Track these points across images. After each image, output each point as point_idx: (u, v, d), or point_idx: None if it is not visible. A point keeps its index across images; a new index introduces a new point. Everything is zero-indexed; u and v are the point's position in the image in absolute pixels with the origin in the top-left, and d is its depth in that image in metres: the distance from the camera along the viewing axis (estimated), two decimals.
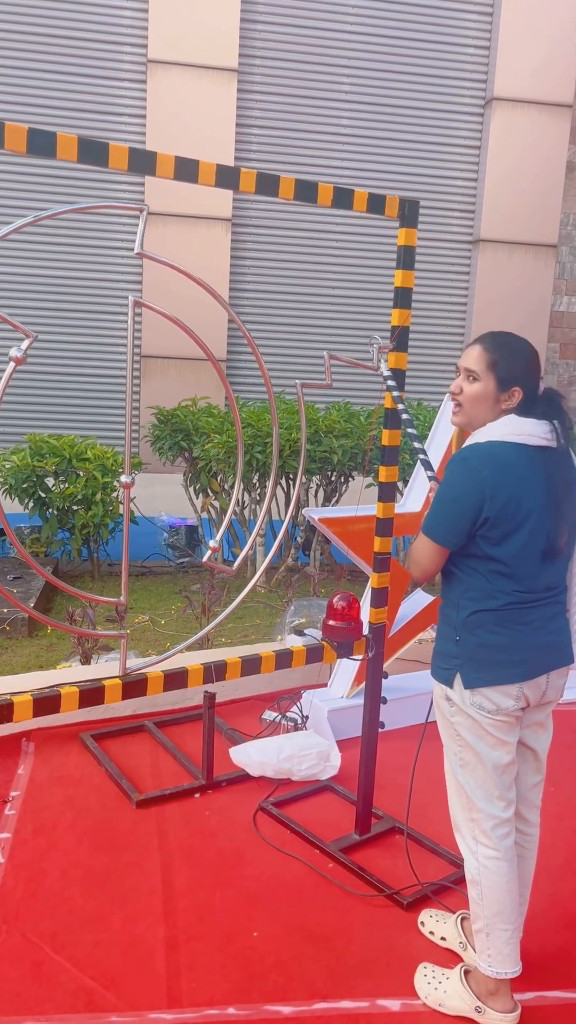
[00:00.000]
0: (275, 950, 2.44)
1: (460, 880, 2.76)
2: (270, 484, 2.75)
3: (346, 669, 3.81)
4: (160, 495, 6.46)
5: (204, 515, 6.06)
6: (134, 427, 8.22)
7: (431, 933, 2.50)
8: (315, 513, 3.55)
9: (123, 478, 2.20)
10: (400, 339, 2.66)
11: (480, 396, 2.16)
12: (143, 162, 2.11)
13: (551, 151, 8.47)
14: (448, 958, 2.42)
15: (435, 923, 2.51)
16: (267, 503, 2.84)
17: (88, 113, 7.76)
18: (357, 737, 3.69)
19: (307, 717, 3.64)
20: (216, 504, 5.90)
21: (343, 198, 2.46)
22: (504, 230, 8.50)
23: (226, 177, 2.24)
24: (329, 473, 5.72)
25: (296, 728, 3.66)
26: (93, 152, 1.99)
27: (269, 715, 3.77)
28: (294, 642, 4.23)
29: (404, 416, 2.58)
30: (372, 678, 2.87)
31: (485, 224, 8.48)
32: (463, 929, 2.44)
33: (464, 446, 2.15)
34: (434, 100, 8.42)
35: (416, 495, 3.83)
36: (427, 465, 2.53)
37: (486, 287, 8.58)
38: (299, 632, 4.24)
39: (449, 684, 2.16)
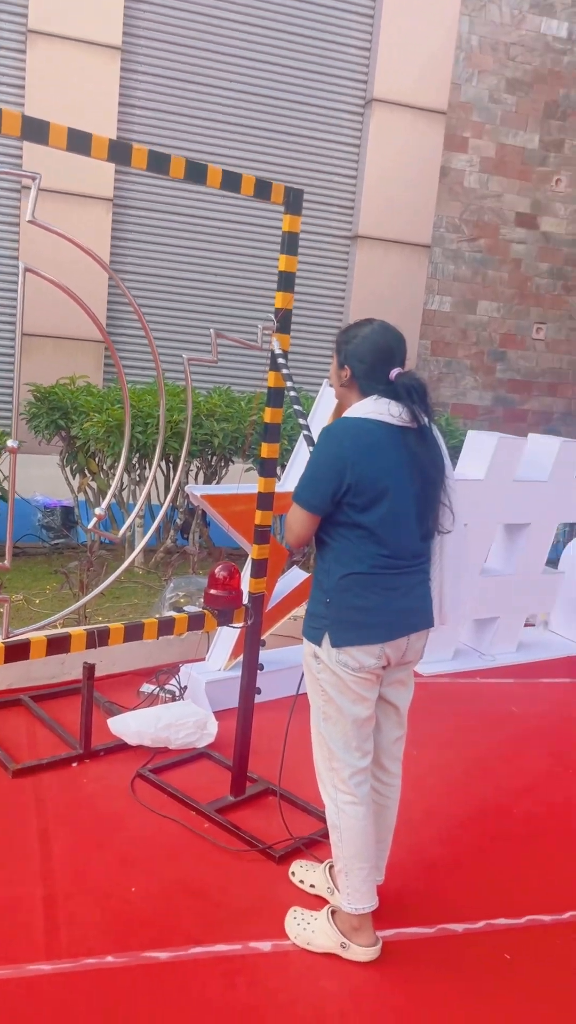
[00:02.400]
0: (152, 904, 2.53)
1: (327, 833, 2.93)
2: (154, 461, 2.82)
3: (224, 642, 3.93)
4: (35, 476, 6.36)
5: (81, 496, 6.02)
6: (10, 406, 8.04)
7: (301, 882, 2.65)
8: (198, 490, 3.65)
9: (9, 442, 2.22)
10: (284, 321, 2.78)
11: (332, 373, 2.43)
12: (36, 130, 2.14)
13: (427, 155, 8.81)
14: (317, 903, 2.57)
15: (305, 872, 2.67)
16: (150, 480, 2.91)
17: None
18: (233, 708, 3.81)
19: (185, 688, 3.73)
20: (94, 485, 5.88)
21: (231, 181, 2.56)
22: (382, 228, 8.79)
23: (118, 152, 2.29)
24: (209, 457, 5.81)
25: (173, 700, 3.75)
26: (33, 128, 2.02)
27: (147, 688, 3.84)
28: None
29: (291, 394, 2.72)
30: (250, 645, 3.00)
31: (363, 221, 8.74)
32: (330, 876, 2.60)
33: (332, 421, 2.31)
34: (317, 96, 8.60)
35: (296, 474, 3.98)
36: (309, 440, 2.67)
37: (363, 282, 8.85)
38: (178, 608, 4.32)
39: (318, 643, 2.31)
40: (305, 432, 2.65)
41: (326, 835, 2.87)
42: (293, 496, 2.29)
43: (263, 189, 2.63)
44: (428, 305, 9.20)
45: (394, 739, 2.48)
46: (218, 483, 6.03)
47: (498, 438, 4.54)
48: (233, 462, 6.08)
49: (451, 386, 9.44)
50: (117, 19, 7.67)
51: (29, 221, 2.16)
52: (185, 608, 4.33)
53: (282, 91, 8.47)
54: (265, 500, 2.91)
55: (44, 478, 6.40)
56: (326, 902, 2.56)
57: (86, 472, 5.80)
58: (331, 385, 2.45)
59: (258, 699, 3.11)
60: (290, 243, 2.75)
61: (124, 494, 5.99)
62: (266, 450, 2.87)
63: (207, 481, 5.99)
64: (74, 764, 3.28)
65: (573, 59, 9.26)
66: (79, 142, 2.21)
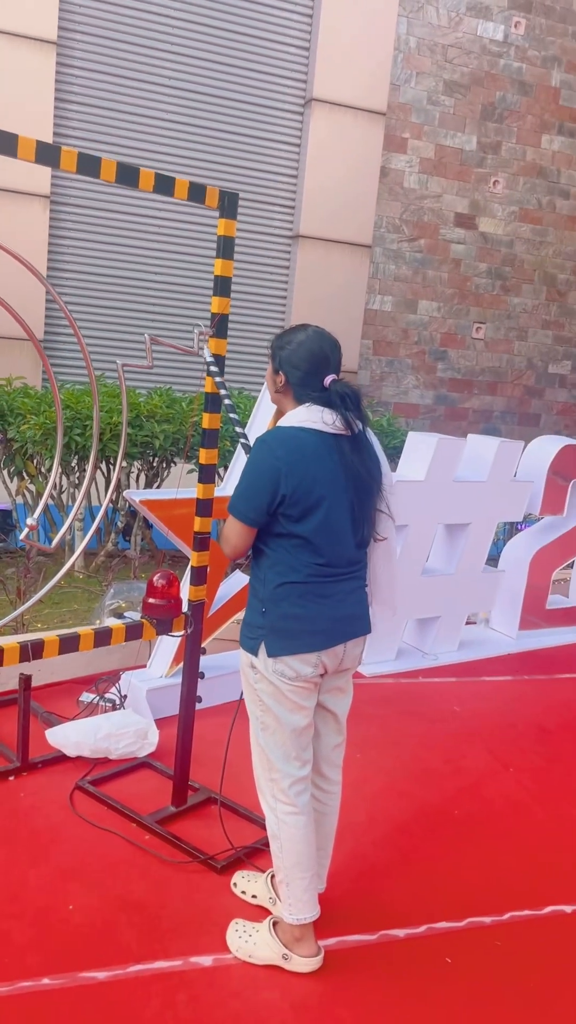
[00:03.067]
0: (90, 920, 2.48)
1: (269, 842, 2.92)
2: (89, 466, 2.77)
3: (165, 649, 3.88)
4: None
5: (19, 499, 5.90)
6: None
7: (243, 892, 2.63)
8: (136, 495, 3.60)
9: None
10: (220, 326, 2.75)
11: (267, 378, 2.41)
12: None
13: (367, 155, 8.84)
14: (259, 914, 2.55)
15: (247, 883, 2.65)
16: (86, 485, 2.85)
17: None
18: (176, 715, 3.78)
19: (125, 697, 3.68)
20: (32, 488, 5.77)
21: (164, 185, 2.52)
22: (322, 227, 8.79)
23: (46, 154, 2.24)
24: (151, 458, 5.74)
25: (114, 709, 3.69)
26: None
27: (87, 697, 3.78)
28: (111, 624, 4.25)
29: (227, 401, 2.69)
30: (191, 654, 2.96)
31: (304, 220, 8.74)
32: (272, 886, 2.58)
33: (267, 431, 2.29)
34: (256, 95, 8.57)
35: (235, 479, 3.95)
36: (247, 448, 2.64)
37: (305, 282, 8.85)
38: (118, 615, 4.26)
39: (254, 653, 2.29)
40: (242, 440, 2.63)
41: (267, 844, 2.87)
42: (228, 507, 2.26)
43: (197, 193, 2.59)
44: (369, 305, 9.24)
45: (333, 746, 2.47)
46: (160, 485, 5.97)
47: (437, 439, 4.58)
48: (175, 463, 6.03)
49: (393, 385, 9.50)
50: (52, 13, 7.53)
51: None
52: (126, 615, 4.28)
53: (221, 90, 8.41)
54: (204, 506, 2.88)
55: None
56: (268, 913, 2.54)
57: (24, 475, 5.69)
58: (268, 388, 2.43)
59: (199, 706, 3.08)
60: (226, 247, 2.72)
61: (63, 496, 5.89)
62: (204, 456, 2.84)
63: (149, 483, 5.93)
64: (11, 778, 3.20)
65: (509, 62, 9.38)
66: (5, 144, 2.15)
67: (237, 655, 4.12)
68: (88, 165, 2.32)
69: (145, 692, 3.70)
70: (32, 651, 2.51)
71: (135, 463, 5.76)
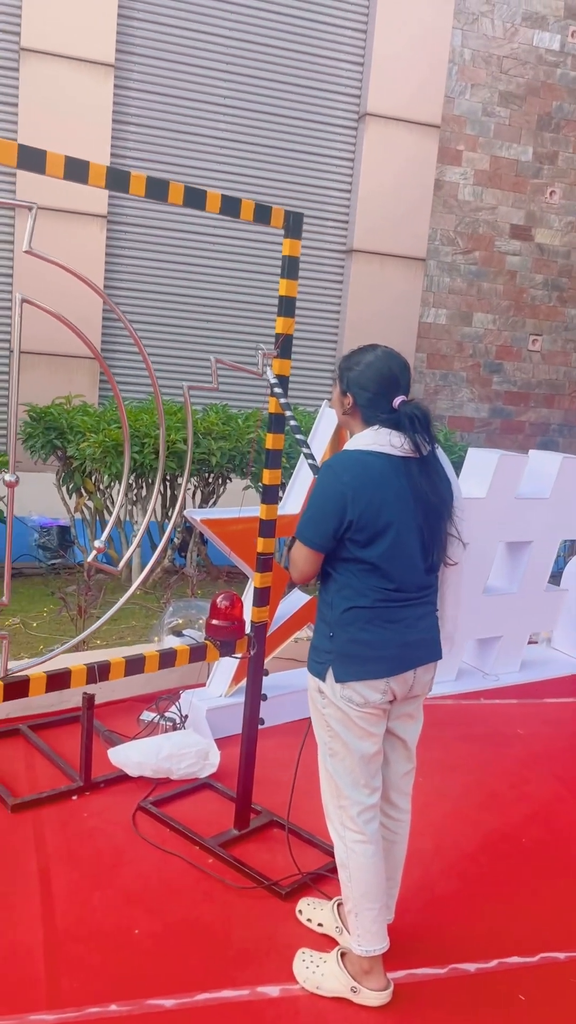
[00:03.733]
0: (156, 946, 2.46)
1: (335, 868, 2.87)
2: (156, 483, 2.77)
3: (225, 668, 3.87)
4: (31, 495, 6.30)
5: (77, 515, 5.97)
6: (3, 425, 7.99)
7: (308, 920, 2.58)
8: (197, 514, 3.60)
9: (7, 476, 2.17)
10: (284, 346, 2.74)
11: (334, 399, 2.38)
12: (32, 159, 2.09)
13: (421, 168, 8.80)
14: (325, 943, 2.51)
15: (312, 910, 2.60)
16: (152, 502, 2.86)
17: None
18: (236, 735, 3.76)
19: (186, 717, 3.67)
20: (90, 504, 5.83)
21: (230, 206, 2.52)
22: (376, 242, 8.77)
23: (116, 180, 2.25)
24: (207, 475, 5.76)
25: (175, 728, 3.68)
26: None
27: (147, 716, 3.78)
28: (172, 643, 4.25)
29: (292, 423, 2.67)
30: (253, 675, 2.94)
31: (358, 235, 8.72)
32: (339, 914, 2.54)
33: (334, 455, 2.26)
34: (310, 111, 8.60)
35: (295, 498, 3.93)
36: (315, 470, 2.62)
37: (358, 296, 8.83)
38: (177, 633, 4.26)
39: (322, 677, 2.26)
40: (310, 462, 2.61)
41: (333, 870, 2.82)
42: (296, 533, 2.24)
43: (262, 213, 2.59)
44: (423, 318, 9.18)
45: (403, 773, 2.42)
46: (215, 501, 5.98)
47: (499, 455, 4.50)
48: (230, 480, 6.04)
49: (447, 399, 9.41)
50: (110, 36, 7.65)
51: (26, 251, 2.12)
52: (184, 632, 4.28)
53: (276, 107, 8.46)
54: (267, 527, 2.86)
55: (39, 497, 6.34)
56: (335, 942, 2.50)
57: (82, 492, 5.75)
58: (331, 406, 2.41)
59: (261, 727, 3.05)
60: (290, 267, 2.70)
61: (120, 512, 5.93)
62: (268, 476, 2.82)
63: (205, 500, 5.94)
64: (74, 797, 3.21)
65: (565, 71, 9.28)
66: (76, 170, 2.16)
67: (297, 675, 4.10)
68: (156, 189, 2.32)
69: (205, 712, 3.69)
70: (99, 672, 2.51)
71: (191, 480, 5.78)
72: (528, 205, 9.37)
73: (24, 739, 3.60)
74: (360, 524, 2.15)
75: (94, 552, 2.42)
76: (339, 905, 2.56)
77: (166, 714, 3.72)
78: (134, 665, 2.61)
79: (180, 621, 4.25)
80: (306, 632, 4.22)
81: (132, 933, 2.50)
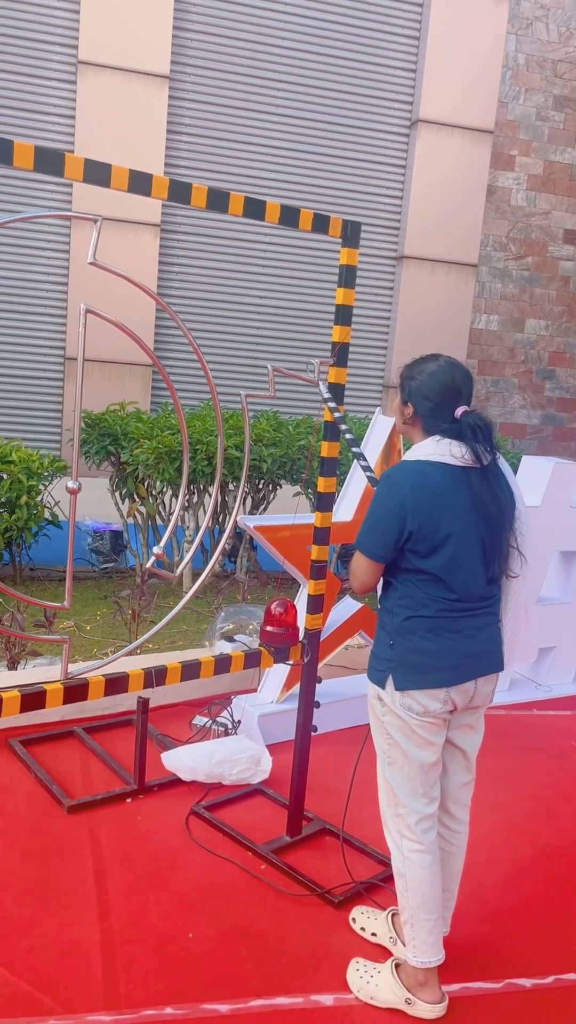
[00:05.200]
0: (210, 950, 2.48)
1: (389, 878, 2.86)
2: (214, 490, 2.80)
3: (276, 674, 3.88)
4: (83, 499, 6.39)
5: (130, 520, 6.04)
6: (58, 430, 8.12)
7: (362, 929, 2.58)
8: (250, 521, 3.62)
9: (70, 484, 2.21)
10: (340, 355, 2.75)
11: (394, 409, 2.38)
12: (97, 173, 2.14)
13: (473, 174, 8.75)
14: (379, 953, 2.50)
15: (366, 919, 2.60)
16: (211, 508, 2.89)
17: (15, 111, 7.65)
18: (287, 741, 3.77)
19: (238, 722, 3.69)
20: (142, 510, 5.90)
21: (289, 217, 2.53)
22: (427, 248, 8.74)
23: (178, 193, 2.28)
24: (257, 482, 5.79)
25: (227, 733, 3.70)
26: (49, 161, 2.02)
27: (199, 720, 3.80)
28: (224, 648, 4.28)
29: (348, 436, 2.67)
30: (306, 683, 2.94)
31: (409, 241, 8.70)
32: (393, 925, 2.52)
33: (393, 465, 2.26)
34: (362, 118, 8.61)
35: (347, 505, 3.93)
36: (372, 481, 2.62)
37: (409, 303, 8.80)
38: (229, 638, 4.29)
39: (381, 685, 2.26)
40: (369, 474, 2.61)
41: (387, 879, 2.82)
42: (355, 544, 2.24)
43: (321, 223, 2.60)
44: (475, 324, 9.12)
45: (461, 784, 2.40)
46: (266, 508, 6.00)
47: (554, 463, 4.45)
48: (280, 486, 6.06)
49: (499, 405, 9.33)
50: (165, 48, 7.76)
51: (90, 263, 2.16)
52: (236, 638, 4.30)
53: (328, 115, 8.48)
54: (322, 535, 2.86)
55: (92, 501, 6.43)
56: (388, 952, 2.49)
57: (135, 497, 5.82)
58: (389, 414, 2.41)
59: (313, 734, 3.05)
60: (348, 276, 2.71)
61: (171, 518, 5.98)
62: (323, 484, 2.83)
63: (255, 507, 5.97)
64: (128, 800, 3.24)
65: None
66: (140, 183, 2.20)
67: (349, 682, 4.10)
68: (217, 200, 2.35)
69: (257, 717, 3.70)
70: (156, 677, 2.54)
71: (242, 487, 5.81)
72: None
73: (79, 741, 3.65)
74: (420, 535, 2.14)
75: (152, 558, 2.45)
76: (393, 915, 2.55)
77: (218, 719, 3.74)
78: (190, 670, 2.64)
79: (232, 626, 4.27)
80: (357, 640, 4.22)
81: (187, 937, 2.52)
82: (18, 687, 2.31)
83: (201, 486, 5.68)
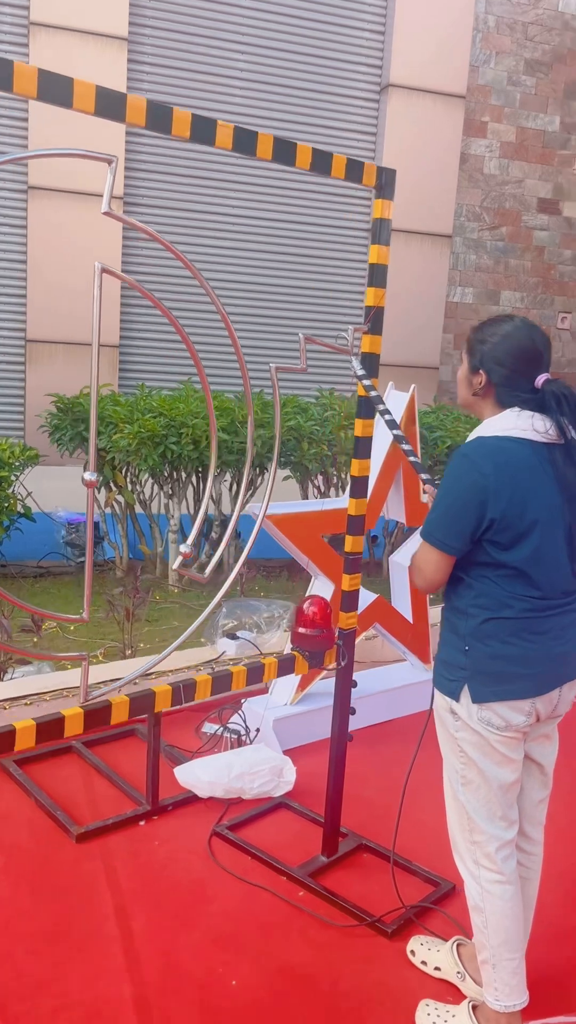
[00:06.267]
0: (258, 999, 2.19)
1: (441, 899, 2.61)
2: (244, 475, 2.48)
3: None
4: (55, 489, 6.01)
5: (108, 510, 5.67)
6: (20, 416, 7.69)
7: (423, 963, 2.31)
8: (263, 510, 3.30)
9: (87, 475, 1.88)
10: (375, 321, 2.44)
11: (460, 378, 2.10)
12: (114, 106, 1.80)
13: (446, 141, 8.46)
14: (446, 990, 2.24)
15: (427, 952, 2.33)
16: (241, 497, 2.58)
17: None
18: (304, 745, 3.49)
19: (258, 731, 3.39)
20: (120, 499, 5.54)
21: (322, 162, 2.22)
22: (401, 218, 8.42)
23: (202, 130, 1.95)
24: (242, 466, 5.46)
25: (240, 741, 3.41)
26: (111, 104, 1.70)
27: (210, 728, 3.50)
28: (227, 646, 3.98)
29: (387, 418, 2.38)
30: (342, 688, 2.66)
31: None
32: (460, 956, 2.26)
33: (466, 441, 1.96)
34: (331, 83, 8.25)
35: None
36: (419, 467, 2.34)
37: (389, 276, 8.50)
38: (231, 635, 3.98)
39: (455, 697, 1.98)
40: (412, 459, 2.33)
41: (439, 901, 2.56)
42: (423, 534, 1.95)
43: (354, 171, 2.29)
44: (450, 297, 8.86)
45: (537, 801, 2.14)
46: (254, 493, 5.69)
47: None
48: (267, 470, 5.74)
49: None
50: (123, 9, 7.31)
51: (104, 213, 1.82)
52: (239, 634, 4.00)
53: (296, 79, 8.11)
54: (356, 524, 2.57)
55: (65, 491, 6.04)
56: (456, 989, 2.23)
57: (112, 486, 5.46)
58: (458, 389, 2.11)
59: (349, 742, 2.77)
60: (383, 231, 2.41)
61: (154, 505, 5.64)
62: (357, 467, 2.53)
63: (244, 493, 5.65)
64: (141, 823, 2.93)
65: None
66: (160, 119, 1.87)
67: (365, 676, 3.82)
68: (245, 142, 2.03)
69: (272, 723, 3.41)
70: (184, 693, 2.23)
71: (227, 472, 5.48)
72: (556, 177, 9.04)
73: (79, 757, 3.32)
74: (503, 523, 1.85)
75: (179, 558, 2.13)
76: (459, 945, 2.29)
77: (229, 725, 3.44)
78: (221, 683, 2.33)
79: (234, 623, 3.97)
80: (371, 631, 3.94)
81: (229, 984, 2.23)
82: (36, 719, 1.99)
83: (184, 473, 5.35)
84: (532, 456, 1.89)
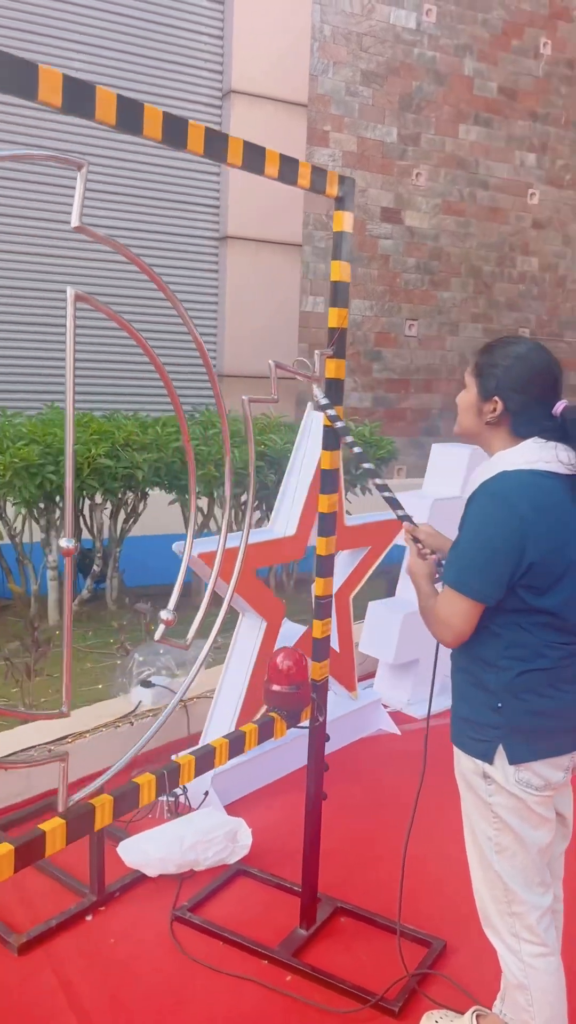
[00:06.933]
0: None
1: (437, 962, 2.43)
2: (224, 510, 2.20)
3: (220, 720, 3.32)
4: None
5: None
6: None
7: None
8: (200, 547, 3.01)
9: (63, 542, 1.55)
10: (339, 344, 2.24)
11: (466, 405, 1.92)
12: (81, 97, 1.49)
13: (291, 148, 8.37)
14: None
15: None
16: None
17: None
18: (243, 798, 3.26)
19: (206, 794, 3.08)
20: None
21: (288, 171, 1.98)
22: (251, 228, 8.28)
23: (173, 131, 1.67)
24: (125, 492, 5.07)
25: (177, 804, 3.10)
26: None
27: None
28: (143, 695, 3.64)
29: (356, 450, 2.19)
30: (316, 744, 2.43)
31: (232, 221, 8.20)
32: None
33: (490, 477, 1.79)
34: (170, 87, 7.96)
35: (286, 517, 3.40)
36: (395, 503, 2.16)
37: (236, 285, 8.31)
38: (146, 684, 3.64)
39: (489, 760, 1.80)
40: (386, 494, 2.16)
41: (436, 964, 2.39)
42: (448, 581, 1.76)
43: (319, 180, 2.07)
44: (302, 307, 8.79)
45: (559, 853, 2.01)
46: (136, 521, 5.32)
47: (470, 451, 4.19)
48: (147, 494, 5.39)
49: None
50: None
51: (75, 228, 1.50)
52: (153, 681, 3.68)
53: (133, 83, 7.75)
54: (325, 564, 2.35)
55: None
56: None
57: None
58: (460, 419, 1.92)
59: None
60: (343, 245, 2.20)
61: (24, 539, 5.14)
62: (326, 503, 2.31)
63: (127, 520, 5.28)
64: (88, 917, 2.58)
65: (423, 51, 9.13)
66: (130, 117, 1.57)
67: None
68: (214, 147, 1.76)
69: (211, 779, 3.13)
70: (168, 779, 1.93)
71: (108, 500, 5.09)
72: (396, 187, 9.18)
73: None
74: (542, 567, 1.70)
75: (162, 626, 1.83)
76: (478, 1017, 2.12)
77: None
78: (204, 761, 2.04)
79: (152, 671, 3.64)
80: None
81: None
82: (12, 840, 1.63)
83: (72, 503, 4.90)
84: (561, 490, 1.74)
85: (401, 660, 4.10)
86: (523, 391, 1.78)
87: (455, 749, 1.89)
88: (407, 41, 9.02)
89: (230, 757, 2.13)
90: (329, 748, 3.66)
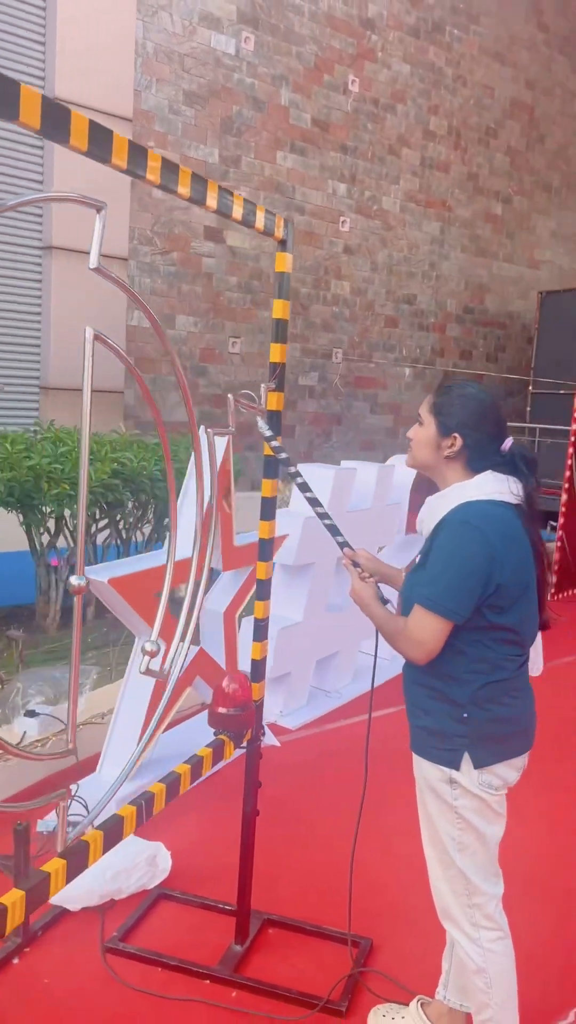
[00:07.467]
0: None
1: (369, 959, 2.58)
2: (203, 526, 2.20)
3: (117, 744, 3.29)
4: None
5: None
6: None
7: None
8: (101, 574, 2.98)
9: (73, 579, 1.55)
10: (280, 378, 2.34)
11: (423, 440, 2.08)
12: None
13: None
14: None
15: (392, 1021, 2.29)
16: (199, 555, 2.28)
17: None
18: (150, 820, 3.23)
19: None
20: None
21: (225, 204, 2.07)
22: (76, 239, 8.13)
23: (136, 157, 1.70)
24: None
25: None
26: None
27: (45, 826, 3.07)
28: (27, 725, 3.52)
29: (299, 481, 2.31)
30: (252, 763, 2.50)
31: (56, 231, 8.00)
32: (428, 1017, 2.26)
33: (455, 507, 1.96)
34: None
35: (184, 540, 3.43)
36: (335, 531, 2.30)
37: (62, 297, 8.11)
38: (31, 713, 3.53)
39: (455, 766, 1.97)
40: (327, 522, 2.31)
41: (369, 961, 2.53)
42: (423, 602, 1.90)
43: (269, 224, 2.17)
44: (129, 321, 8.74)
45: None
46: None
47: (335, 471, 4.40)
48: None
49: (159, 403, 9.09)
50: None
51: (93, 269, 1.52)
52: (37, 710, 3.57)
53: None
54: (264, 588, 2.44)
55: None
56: None
57: None
58: (415, 452, 2.07)
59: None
60: (284, 285, 2.32)
61: None
62: (266, 529, 2.41)
63: None
64: (15, 960, 2.49)
65: (242, 77, 9.38)
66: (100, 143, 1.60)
67: (177, 736, 3.63)
68: (168, 176, 1.81)
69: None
70: (146, 810, 1.94)
71: None
72: None
73: None
74: (506, 588, 1.89)
75: (147, 658, 1.83)
76: (423, 1005, 2.29)
77: (70, 818, 3.04)
78: (172, 790, 2.07)
79: (40, 700, 3.52)
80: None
81: None
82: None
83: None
84: (515, 519, 1.95)
85: (275, 674, 4.23)
86: (478, 428, 1.98)
87: (416, 757, 2.05)
88: (227, 66, 9.23)
89: (192, 781, 2.16)
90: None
